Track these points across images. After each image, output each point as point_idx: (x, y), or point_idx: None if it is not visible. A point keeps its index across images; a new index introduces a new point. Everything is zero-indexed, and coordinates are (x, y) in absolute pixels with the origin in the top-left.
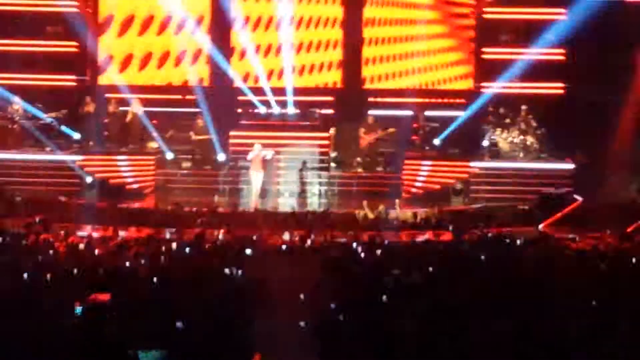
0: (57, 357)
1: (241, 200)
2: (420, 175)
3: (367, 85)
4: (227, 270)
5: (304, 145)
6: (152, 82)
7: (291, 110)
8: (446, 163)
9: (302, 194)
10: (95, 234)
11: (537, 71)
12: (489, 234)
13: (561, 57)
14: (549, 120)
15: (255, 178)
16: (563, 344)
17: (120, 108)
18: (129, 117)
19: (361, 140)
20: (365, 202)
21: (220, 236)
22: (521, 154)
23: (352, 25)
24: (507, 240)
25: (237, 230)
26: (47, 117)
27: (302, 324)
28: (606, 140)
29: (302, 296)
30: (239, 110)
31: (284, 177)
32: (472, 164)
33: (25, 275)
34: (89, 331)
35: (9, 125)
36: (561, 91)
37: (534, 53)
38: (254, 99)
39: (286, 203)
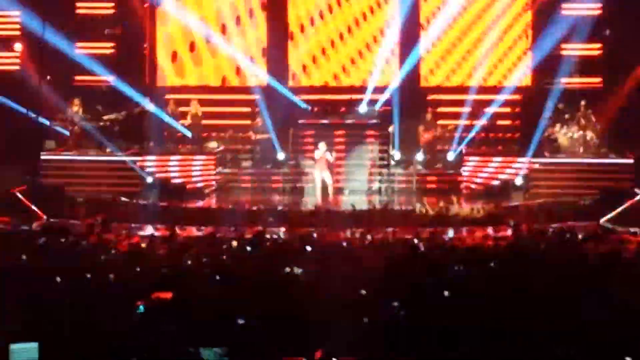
0: (120, 355)
1: (303, 199)
2: (480, 172)
3: (426, 83)
4: (287, 268)
5: (364, 143)
6: (210, 82)
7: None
8: (506, 159)
9: (368, 191)
10: (156, 234)
11: (594, 66)
12: (550, 229)
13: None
14: (609, 114)
15: (319, 177)
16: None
17: (180, 108)
18: (188, 118)
19: (421, 137)
20: (425, 199)
21: (281, 234)
22: (581, 149)
23: (410, 21)
24: (568, 235)
25: (297, 228)
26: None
27: (364, 320)
28: None
29: (363, 292)
30: (298, 110)
31: (344, 175)
32: (532, 159)
33: (88, 275)
34: (151, 328)
35: (69, 127)
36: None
37: (593, 48)
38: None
39: (347, 201)
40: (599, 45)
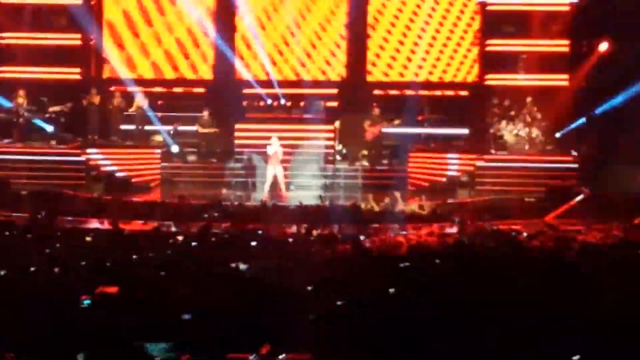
0: (64, 349)
1: (252, 194)
2: (425, 168)
3: (372, 78)
4: (233, 263)
5: (310, 138)
6: (157, 75)
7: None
8: (452, 155)
9: (314, 186)
10: (101, 227)
11: (542, 63)
12: (495, 227)
13: (565, 49)
14: (554, 112)
15: (272, 172)
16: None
17: (125, 101)
18: (133, 110)
19: (366, 133)
20: (370, 196)
21: (226, 229)
22: (527, 146)
23: (357, 16)
24: (513, 233)
25: (243, 224)
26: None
27: (310, 316)
28: (613, 131)
29: (308, 288)
30: (244, 103)
31: (291, 170)
32: (478, 156)
33: (32, 268)
34: (96, 323)
35: (15, 119)
36: (566, 83)
37: (539, 45)
38: (261, 91)
39: (294, 196)
40: (550, 42)
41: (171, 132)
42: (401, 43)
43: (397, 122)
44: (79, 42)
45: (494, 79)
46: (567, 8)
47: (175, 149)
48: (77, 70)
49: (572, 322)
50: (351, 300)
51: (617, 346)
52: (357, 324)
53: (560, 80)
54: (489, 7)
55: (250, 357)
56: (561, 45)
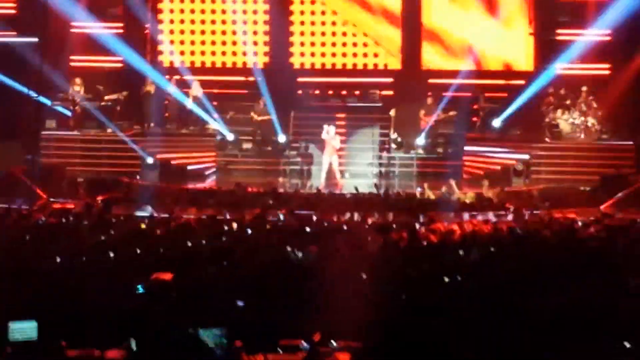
0: (118, 334)
1: (308, 182)
2: (480, 157)
3: (426, 66)
4: (287, 249)
5: (365, 127)
6: (212, 64)
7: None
8: (507, 144)
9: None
10: (156, 215)
11: (597, 52)
12: (550, 215)
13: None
14: (610, 101)
15: (327, 160)
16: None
17: (181, 89)
18: (189, 99)
19: (421, 121)
20: (426, 184)
21: (281, 217)
22: (582, 135)
23: (411, 3)
24: (568, 222)
25: (298, 211)
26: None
27: (364, 303)
28: None
29: (363, 275)
30: (300, 92)
31: (345, 159)
32: (533, 145)
33: (87, 255)
34: (150, 309)
35: (71, 107)
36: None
37: (594, 34)
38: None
39: (348, 184)
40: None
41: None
42: (454, 30)
43: (452, 112)
44: (135, 31)
45: (550, 68)
46: None
47: (231, 137)
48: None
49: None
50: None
51: None
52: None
53: (612, 69)
54: None
55: (302, 344)
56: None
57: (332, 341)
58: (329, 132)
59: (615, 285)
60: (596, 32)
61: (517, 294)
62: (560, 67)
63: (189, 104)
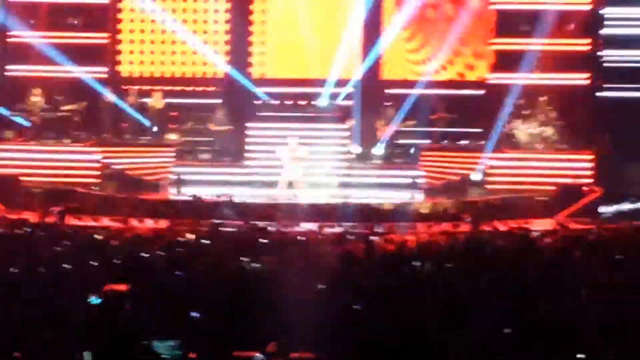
0: (72, 346)
1: (266, 192)
2: (439, 167)
3: (386, 76)
4: (243, 260)
5: (324, 137)
6: (171, 74)
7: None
8: (465, 154)
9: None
10: (112, 225)
11: (558, 62)
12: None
13: (586, 48)
14: (569, 111)
15: (288, 171)
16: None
17: (141, 99)
18: (147, 109)
19: (379, 132)
20: (383, 194)
21: (238, 227)
22: (540, 146)
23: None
24: (525, 232)
25: (254, 222)
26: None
27: (319, 314)
28: (627, 131)
29: (320, 286)
30: (258, 102)
31: (304, 169)
32: (491, 155)
33: (42, 266)
34: (104, 320)
35: (29, 117)
36: (584, 82)
37: (556, 44)
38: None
39: (307, 195)
40: (566, 42)
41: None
42: (413, 43)
43: (410, 122)
44: (94, 41)
45: (508, 78)
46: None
47: (186, 147)
48: (92, 69)
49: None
50: (359, 301)
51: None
52: (364, 325)
53: (576, 79)
54: (503, 6)
55: (257, 355)
56: (579, 45)
57: (290, 353)
58: (290, 142)
59: (569, 296)
60: (556, 42)
61: (472, 305)
62: (519, 76)
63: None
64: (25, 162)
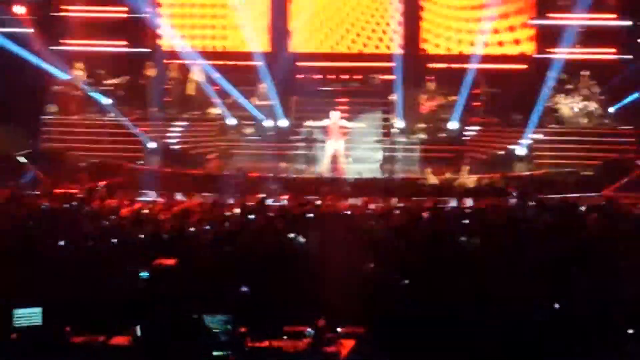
0: (122, 322)
1: (311, 167)
2: (483, 141)
3: (428, 51)
4: (290, 235)
5: (367, 111)
6: (212, 48)
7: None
8: (510, 129)
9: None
10: (159, 200)
11: (598, 37)
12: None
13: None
14: (612, 85)
15: (332, 146)
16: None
17: (182, 73)
18: (190, 83)
19: (423, 106)
20: (428, 169)
21: (284, 202)
22: (584, 120)
23: None
24: (571, 206)
25: (301, 196)
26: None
27: (368, 290)
28: None
29: (365, 261)
30: (301, 77)
31: (348, 143)
32: (535, 129)
33: (91, 240)
34: (154, 295)
35: (72, 92)
36: (626, 57)
37: (597, 18)
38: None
39: (351, 169)
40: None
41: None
42: (456, 17)
43: (453, 97)
44: (135, 16)
45: (551, 53)
46: None
47: (232, 121)
48: (134, 43)
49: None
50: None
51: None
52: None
53: (614, 54)
54: None
55: (307, 330)
56: (614, 19)
57: (337, 328)
58: (332, 117)
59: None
60: (598, 16)
61: (518, 281)
62: (562, 51)
63: (191, 89)
64: (72, 136)
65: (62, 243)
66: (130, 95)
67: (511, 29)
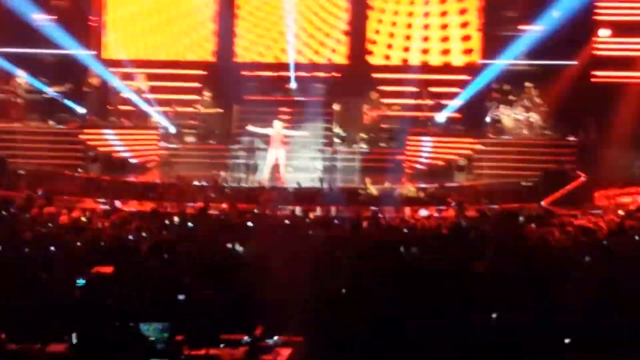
0: (59, 329)
1: (250, 176)
2: (423, 152)
3: (372, 61)
4: (229, 245)
5: (309, 121)
6: (157, 57)
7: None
8: (450, 139)
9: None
10: (98, 207)
11: (542, 48)
12: (492, 210)
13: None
14: (553, 97)
15: (273, 155)
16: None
17: (124, 82)
18: (132, 91)
19: (365, 116)
20: (368, 179)
21: (223, 211)
22: (525, 131)
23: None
24: (510, 217)
25: (240, 205)
26: (51, 91)
27: (306, 298)
28: (610, 117)
29: (305, 270)
30: (243, 86)
31: (289, 153)
32: (475, 140)
33: (28, 247)
34: (91, 303)
35: (13, 99)
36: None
37: (539, 30)
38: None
39: (291, 178)
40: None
41: (169, 114)
42: (401, 25)
43: (395, 106)
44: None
45: (494, 63)
46: None
47: (172, 129)
48: (78, 50)
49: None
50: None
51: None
52: (350, 309)
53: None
54: None
55: (244, 338)
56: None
57: (275, 336)
58: (274, 126)
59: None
60: (541, 28)
61: (460, 288)
62: (504, 62)
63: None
64: (11, 143)
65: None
66: (72, 102)
67: (456, 38)
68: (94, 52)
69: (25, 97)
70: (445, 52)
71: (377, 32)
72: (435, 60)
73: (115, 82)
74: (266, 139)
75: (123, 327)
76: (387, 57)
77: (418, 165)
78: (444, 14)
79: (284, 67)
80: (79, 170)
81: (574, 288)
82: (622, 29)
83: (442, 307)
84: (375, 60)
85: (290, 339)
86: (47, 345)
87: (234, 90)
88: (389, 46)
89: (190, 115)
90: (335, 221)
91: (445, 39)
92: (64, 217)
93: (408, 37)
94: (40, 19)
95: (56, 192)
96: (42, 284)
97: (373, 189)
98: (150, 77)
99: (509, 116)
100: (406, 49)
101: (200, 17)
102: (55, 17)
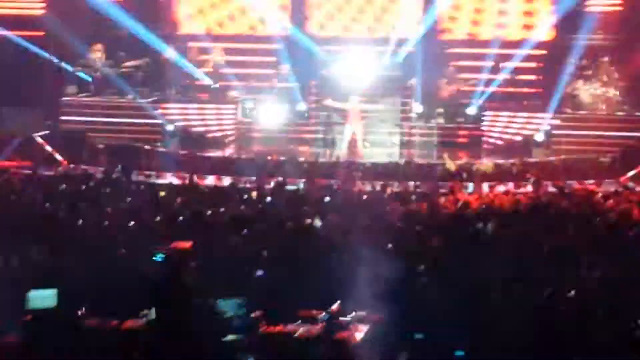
0: (136, 302)
1: (329, 151)
2: (501, 127)
3: (449, 36)
4: (307, 219)
5: (386, 96)
6: (234, 31)
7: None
8: (527, 114)
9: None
10: (176, 182)
11: (620, 23)
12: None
13: None
14: (632, 72)
15: (350, 130)
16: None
17: (201, 56)
18: (210, 66)
19: (442, 91)
20: (446, 154)
21: (301, 185)
22: (603, 106)
23: None
24: (587, 193)
25: (318, 180)
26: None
27: (383, 275)
28: None
29: (382, 246)
30: (319, 60)
31: (366, 128)
32: (553, 115)
33: (107, 221)
34: (169, 278)
35: (91, 73)
36: None
37: (617, 4)
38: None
39: (369, 154)
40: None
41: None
42: (477, 1)
43: (472, 80)
44: None
45: (570, 38)
46: None
47: (251, 104)
48: (153, 25)
49: None
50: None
51: None
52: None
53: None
54: None
55: (321, 315)
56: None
57: (353, 312)
58: (351, 100)
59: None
60: (617, 2)
61: (535, 266)
62: (582, 37)
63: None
64: (90, 117)
65: (79, 222)
66: (149, 77)
67: (531, 14)
68: (170, 26)
69: (103, 71)
70: (523, 27)
71: (452, 6)
72: (512, 35)
73: (192, 56)
74: (343, 113)
75: (201, 303)
76: (464, 32)
77: (496, 141)
78: None
79: (361, 41)
80: (158, 144)
81: None
82: None
83: (523, 282)
84: (452, 35)
85: (368, 317)
86: (125, 320)
87: (311, 65)
88: (467, 21)
89: (266, 90)
90: (413, 197)
91: (523, 14)
92: (142, 191)
93: (482, 11)
94: None
95: (134, 167)
96: (121, 260)
97: (451, 164)
98: (227, 51)
99: (587, 91)
100: (482, 24)
101: None
102: None
